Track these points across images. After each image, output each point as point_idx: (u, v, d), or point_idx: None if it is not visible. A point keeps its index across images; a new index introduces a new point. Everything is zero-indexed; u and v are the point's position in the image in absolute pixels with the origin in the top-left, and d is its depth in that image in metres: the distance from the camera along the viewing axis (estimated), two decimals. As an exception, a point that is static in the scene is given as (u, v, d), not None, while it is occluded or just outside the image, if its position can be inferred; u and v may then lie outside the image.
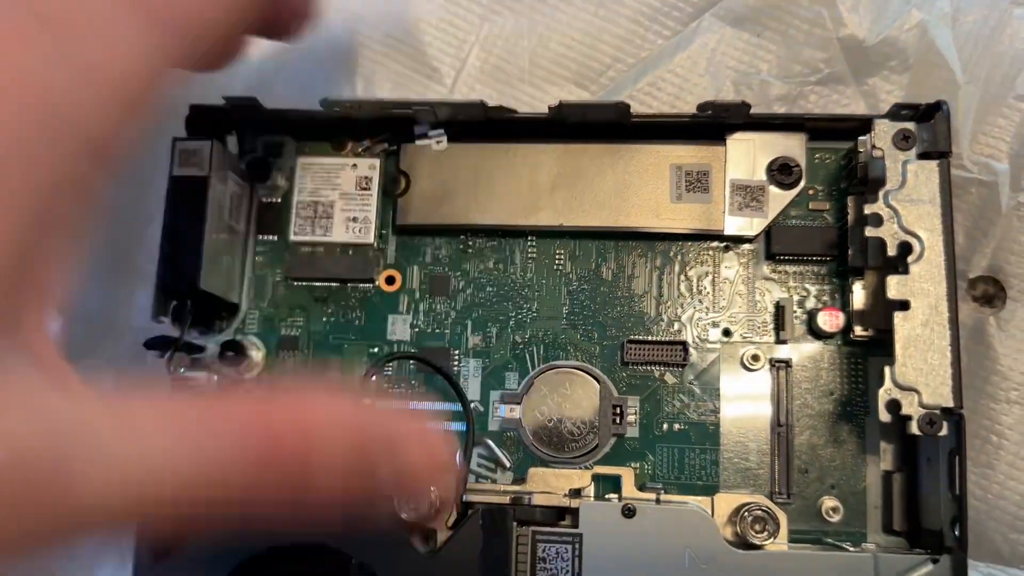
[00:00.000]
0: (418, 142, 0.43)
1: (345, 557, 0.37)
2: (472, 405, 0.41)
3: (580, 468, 0.39)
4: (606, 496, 0.39)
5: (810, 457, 0.40)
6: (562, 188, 0.42)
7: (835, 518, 0.39)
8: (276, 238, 0.44)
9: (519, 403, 0.41)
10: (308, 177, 0.44)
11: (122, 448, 0.21)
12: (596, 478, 0.39)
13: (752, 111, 0.40)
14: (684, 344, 0.41)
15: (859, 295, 0.40)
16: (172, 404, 0.24)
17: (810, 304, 0.41)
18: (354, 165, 0.43)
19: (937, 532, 0.37)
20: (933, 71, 0.44)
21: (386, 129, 0.43)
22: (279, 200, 0.44)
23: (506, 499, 0.37)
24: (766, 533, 0.36)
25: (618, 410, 0.40)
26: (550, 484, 0.39)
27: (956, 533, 0.35)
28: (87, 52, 0.22)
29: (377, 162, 0.43)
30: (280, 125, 0.44)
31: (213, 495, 0.22)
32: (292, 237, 0.43)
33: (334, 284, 0.43)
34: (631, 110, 0.40)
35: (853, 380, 0.40)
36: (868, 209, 0.37)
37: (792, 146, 0.41)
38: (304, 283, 0.43)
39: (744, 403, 0.40)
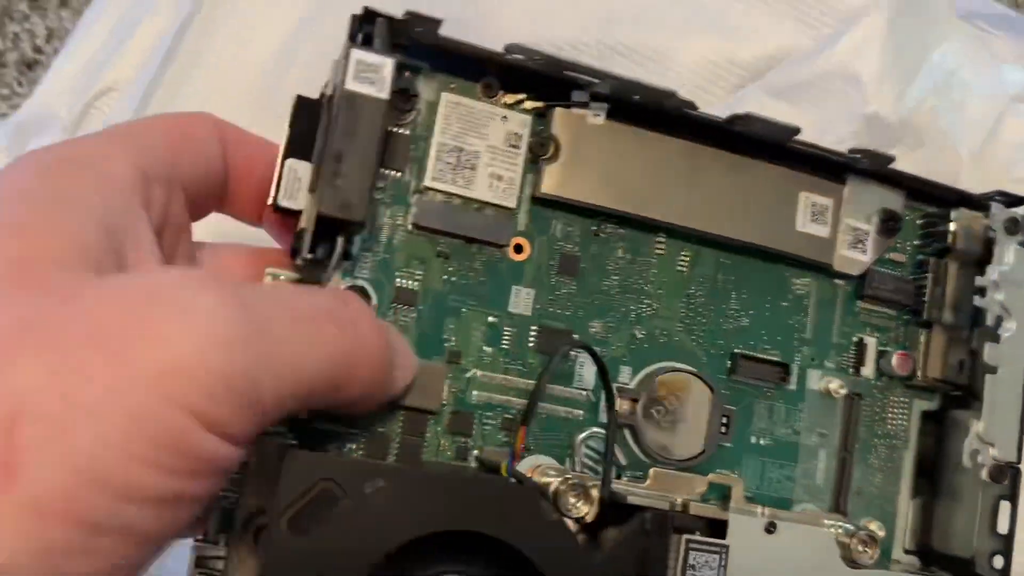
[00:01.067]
0: (575, 110, 0.40)
1: (504, 546, 0.35)
2: (584, 394, 0.40)
3: (696, 474, 0.40)
4: (710, 501, 0.40)
5: (862, 481, 0.44)
6: (701, 192, 0.42)
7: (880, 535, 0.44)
8: (400, 175, 0.39)
9: (636, 399, 0.41)
10: (454, 118, 0.39)
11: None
12: (710, 485, 0.40)
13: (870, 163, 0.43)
14: (786, 366, 0.43)
15: (928, 345, 0.45)
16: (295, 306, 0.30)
17: (884, 346, 0.45)
18: (504, 117, 0.40)
19: (951, 556, 0.43)
20: (941, 153, 0.50)
21: (543, 87, 0.40)
22: (408, 133, 0.39)
23: (663, 504, 0.37)
24: (867, 555, 0.40)
25: (726, 420, 0.42)
26: (670, 487, 0.39)
27: (994, 565, 0.42)
28: None
29: (528, 120, 0.40)
30: (431, 55, 0.39)
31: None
32: (429, 181, 0.39)
33: (461, 241, 0.39)
34: (799, 135, 0.41)
35: (898, 417, 0.45)
36: (979, 282, 0.42)
37: (894, 200, 0.45)
38: (430, 234, 0.39)
39: (820, 427, 0.44)
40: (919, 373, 0.45)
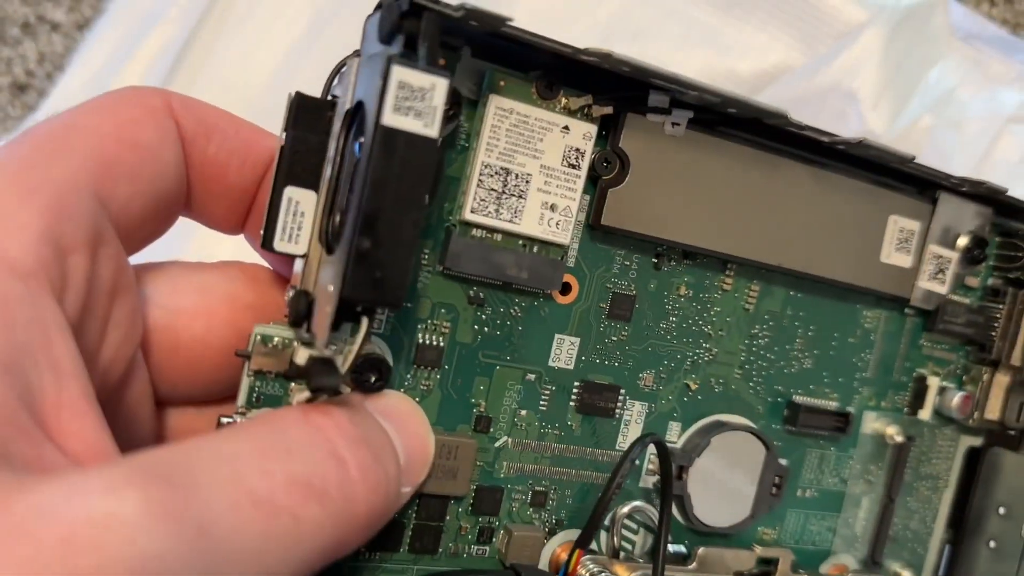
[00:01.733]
0: (649, 116, 0.31)
1: None
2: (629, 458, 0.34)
3: (745, 550, 0.36)
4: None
5: (900, 528, 0.41)
6: (785, 216, 0.34)
7: (904, 584, 0.41)
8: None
9: (686, 464, 0.35)
10: (503, 130, 0.30)
11: None
12: (760, 560, 0.36)
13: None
14: (848, 416, 0.38)
15: (990, 386, 0.40)
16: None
17: (948, 384, 0.40)
18: (566, 127, 0.30)
19: (978, 600, 0.41)
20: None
21: (616, 88, 0.31)
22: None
23: (711, 602, 0.32)
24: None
25: (778, 480, 0.37)
26: (717, 567, 0.35)
27: (1024, 624, 0.40)
28: None
29: (594, 131, 0.31)
30: (493, 51, 0.29)
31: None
32: (467, 215, 0.30)
33: (498, 285, 0.31)
34: (915, 159, 0.34)
35: (941, 456, 0.41)
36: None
37: (983, 220, 0.39)
38: (462, 277, 0.31)
39: (868, 473, 0.40)
40: (975, 414, 0.41)
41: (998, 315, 0.40)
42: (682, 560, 0.35)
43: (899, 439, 0.39)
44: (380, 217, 0.24)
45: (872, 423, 0.39)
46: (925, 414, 0.40)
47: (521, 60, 0.30)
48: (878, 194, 0.36)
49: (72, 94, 0.57)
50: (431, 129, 0.25)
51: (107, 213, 0.25)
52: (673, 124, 0.32)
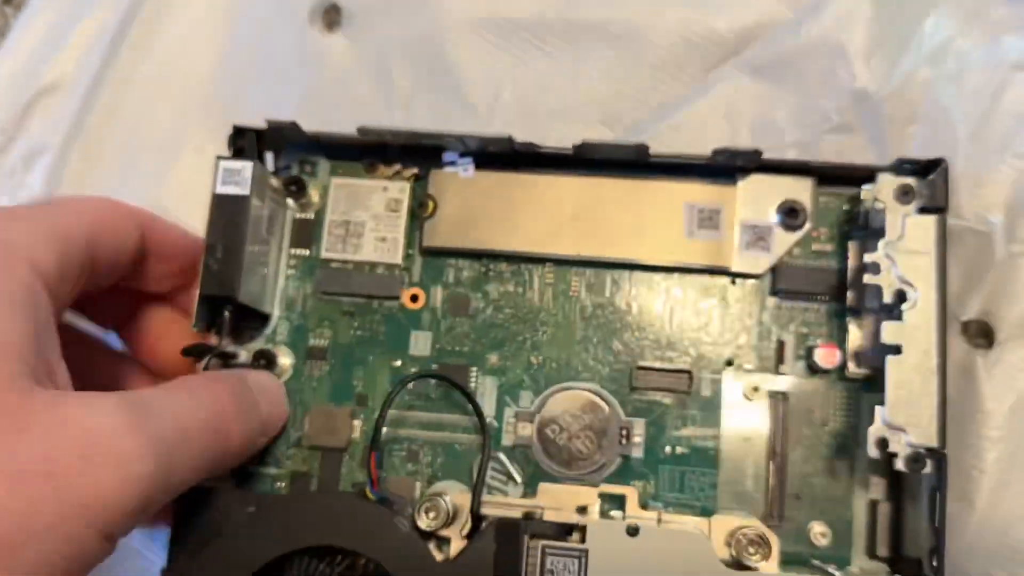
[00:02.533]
0: (447, 168, 0.46)
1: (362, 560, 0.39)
2: (487, 421, 0.44)
3: (588, 486, 0.42)
4: (611, 514, 0.41)
5: (803, 484, 0.42)
6: (581, 219, 0.44)
7: (823, 542, 0.42)
8: (308, 252, 0.46)
9: (531, 421, 0.43)
10: (341, 197, 0.46)
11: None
12: (602, 496, 0.42)
13: (764, 156, 0.42)
14: (690, 373, 0.43)
15: (856, 335, 0.43)
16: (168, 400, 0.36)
17: (810, 340, 0.43)
18: (385, 188, 0.46)
19: (917, 560, 0.40)
20: (937, 126, 0.47)
21: (417, 154, 0.46)
22: (312, 216, 0.47)
23: (518, 513, 0.40)
24: (759, 555, 0.39)
25: (624, 432, 0.43)
26: (559, 499, 0.41)
27: (934, 563, 0.38)
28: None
29: (407, 186, 0.46)
30: (317, 147, 0.46)
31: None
32: (323, 254, 0.46)
33: (361, 299, 0.46)
34: (650, 150, 0.42)
35: (846, 414, 0.43)
36: (868, 258, 0.40)
37: (800, 189, 0.44)
38: (333, 297, 0.46)
39: (744, 430, 0.43)
40: (851, 365, 0.43)
41: (839, 268, 0.43)
42: (529, 495, 0.42)
43: (758, 394, 0.43)
44: (217, 244, 0.42)
45: (733, 385, 0.44)
46: (789, 369, 0.43)
47: (355, 152, 0.46)
48: (672, 187, 0.44)
49: (5, 76, 0.57)
50: (244, 190, 0.42)
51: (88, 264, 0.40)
52: (464, 170, 0.45)
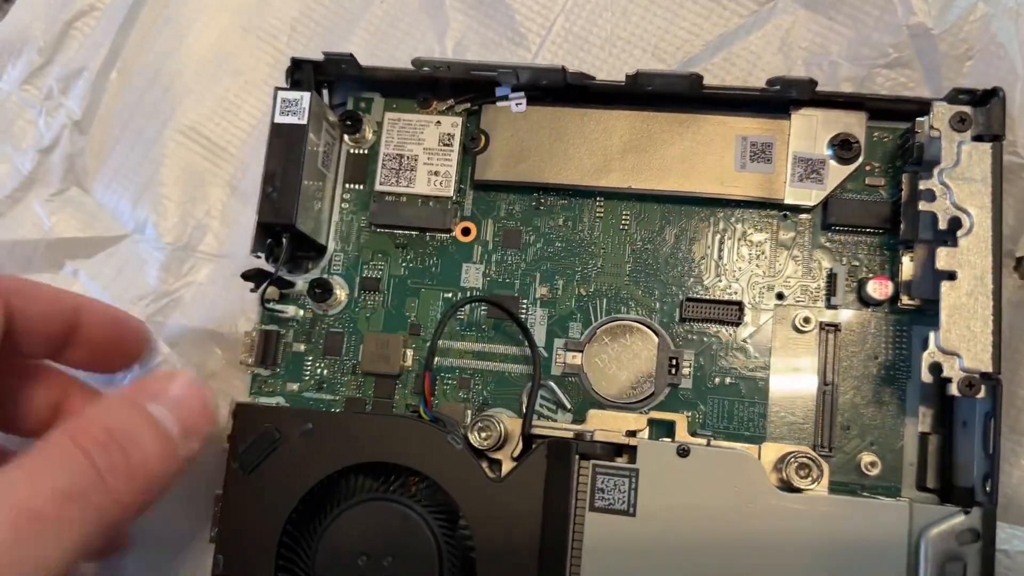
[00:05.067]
0: (499, 103, 0.46)
1: (415, 477, 0.40)
2: (538, 349, 0.44)
3: (637, 412, 0.43)
4: (661, 439, 0.42)
5: (852, 415, 0.42)
6: (632, 153, 0.45)
7: (873, 472, 0.42)
8: (362, 187, 0.47)
9: (581, 351, 0.44)
10: (395, 131, 0.47)
11: None
12: (651, 422, 0.42)
13: (818, 89, 0.42)
14: (740, 304, 0.44)
15: (908, 266, 0.42)
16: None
17: (861, 273, 0.43)
18: (438, 122, 0.47)
19: (969, 489, 0.40)
20: (994, 61, 0.46)
21: (470, 90, 0.46)
22: (366, 151, 0.47)
23: (569, 434, 0.41)
24: (810, 479, 0.39)
25: (674, 362, 0.43)
26: (608, 425, 0.42)
27: (987, 488, 0.38)
28: None
29: (459, 120, 0.47)
30: (372, 81, 0.47)
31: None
32: (377, 187, 0.47)
33: (414, 232, 0.47)
34: (703, 81, 0.43)
35: (897, 346, 0.43)
36: (923, 185, 0.40)
37: (853, 124, 0.44)
38: (386, 230, 0.47)
39: (793, 362, 0.43)
40: (903, 296, 0.42)
41: (891, 201, 0.43)
42: (578, 422, 0.43)
43: (810, 325, 0.43)
44: (276, 171, 0.43)
45: (782, 317, 0.44)
46: (840, 301, 0.43)
47: (409, 89, 0.47)
48: (724, 121, 0.45)
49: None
50: (303, 120, 0.43)
51: None
52: (516, 104, 0.46)
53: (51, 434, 0.33)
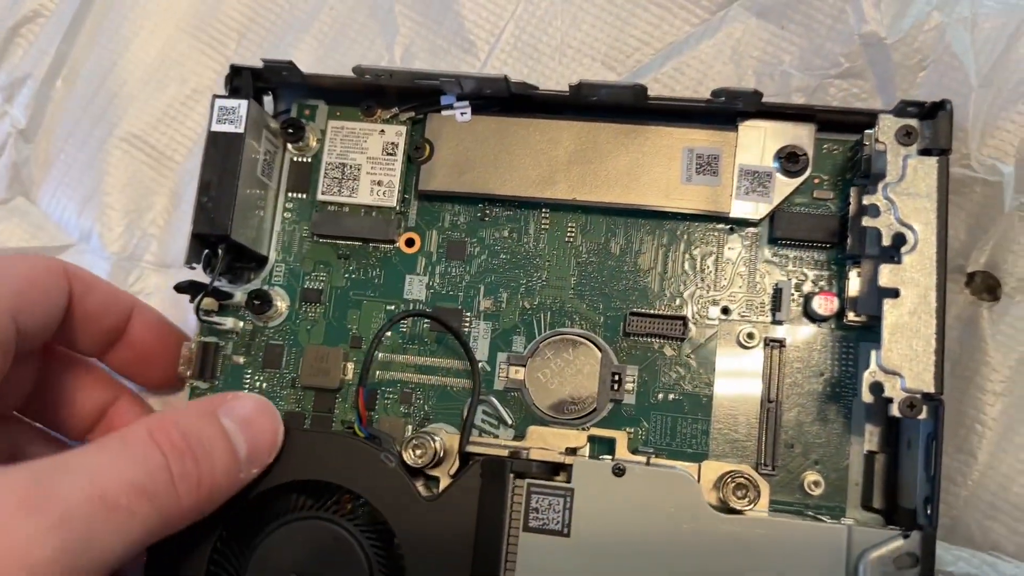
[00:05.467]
0: (444, 112, 0.45)
1: (350, 496, 0.39)
2: (479, 365, 0.44)
3: (577, 429, 0.42)
4: (600, 456, 0.41)
5: (797, 433, 0.42)
6: (578, 164, 0.44)
7: (816, 492, 0.41)
8: (304, 196, 0.46)
9: (524, 365, 0.43)
10: (338, 140, 0.46)
11: None
12: (592, 439, 0.41)
13: (766, 100, 0.42)
14: (684, 319, 0.43)
15: (855, 282, 0.42)
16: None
17: (807, 288, 0.43)
18: (382, 131, 0.46)
19: (912, 511, 0.39)
20: (948, 72, 0.45)
21: (414, 98, 0.45)
22: (309, 160, 0.47)
23: (505, 452, 0.40)
24: (747, 500, 0.38)
25: (616, 377, 0.42)
26: (548, 442, 0.41)
27: (928, 511, 0.37)
28: None
29: (404, 129, 0.46)
30: (314, 89, 0.46)
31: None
32: (320, 196, 0.46)
33: (357, 243, 0.46)
34: (648, 92, 0.42)
35: (844, 363, 0.42)
36: (867, 200, 0.39)
37: (801, 135, 0.43)
38: (329, 240, 0.46)
39: (737, 378, 0.42)
40: (849, 312, 0.42)
41: (839, 215, 0.43)
42: (518, 438, 0.42)
43: (755, 341, 0.42)
44: (212, 181, 0.42)
45: (727, 333, 0.43)
46: (785, 316, 0.42)
47: (355, 97, 0.46)
48: (671, 133, 0.44)
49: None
50: (240, 128, 0.43)
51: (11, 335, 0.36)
52: (461, 113, 0.45)
53: (132, 428, 0.33)
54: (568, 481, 0.38)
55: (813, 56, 0.46)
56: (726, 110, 0.43)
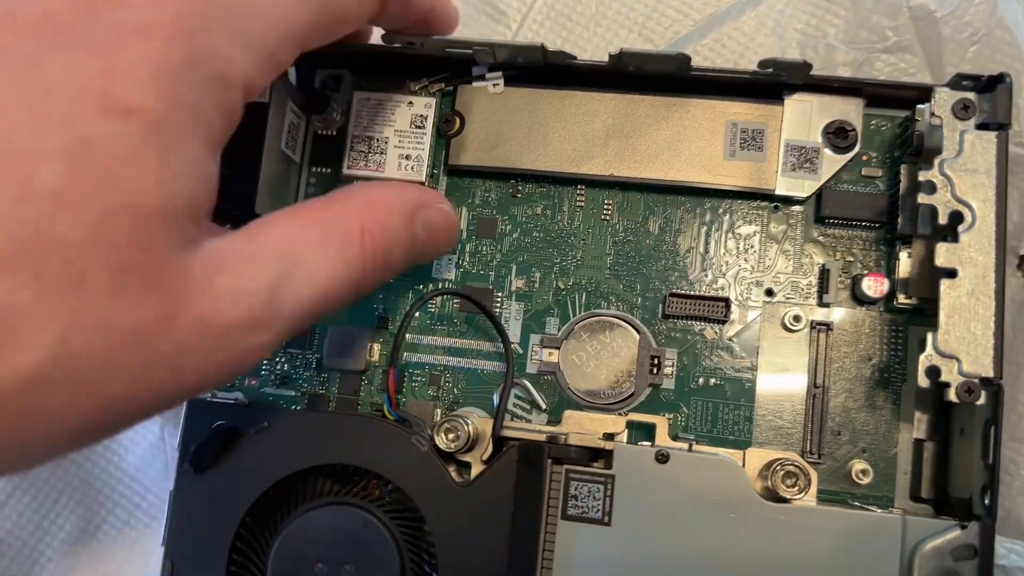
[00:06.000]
0: (475, 84, 0.43)
1: (378, 481, 0.38)
2: (512, 346, 0.42)
3: (615, 414, 0.40)
4: (639, 442, 0.39)
5: (844, 420, 0.40)
6: (615, 138, 0.42)
7: (864, 481, 0.39)
8: (329, 171, 0.45)
9: (558, 347, 0.41)
10: (364, 112, 0.44)
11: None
12: (630, 424, 0.40)
13: (812, 73, 0.40)
14: (727, 301, 0.41)
15: (905, 263, 0.40)
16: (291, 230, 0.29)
17: (855, 269, 0.41)
18: (410, 103, 0.44)
19: (965, 500, 0.37)
20: (1000, 46, 0.44)
21: (445, 69, 0.44)
22: (334, 133, 0.45)
23: (541, 437, 0.38)
24: (797, 488, 0.37)
25: (656, 361, 0.41)
26: (584, 427, 0.39)
27: (986, 501, 0.35)
28: None
29: (433, 101, 0.44)
30: (340, 59, 0.44)
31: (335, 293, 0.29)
32: (345, 171, 0.44)
33: (384, 219, 0.44)
34: (691, 63, 0.40)
35: (893, 347, 0.40)
36: (923, 176, 0.37)
37: (849, 111, 0.41)
38: (354, 216, 0.44)
39: (782, 362, 0.41)
40: (900, 295, 0.40)
41: (888, 193, 0.41)
42: (553, 423, 0.40)
43: (801, 324, 0.41)
44: (234, 154, 0.40)
45: (772, 315, 0.41)
46: (833, 298, 0.41)
47: (383, 66, 0.44)
48: (713, 106, 0.42)
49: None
50: (263, 99, 0.41)
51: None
52: (494, 84, 0.43)
53: (347, 221, 0.31)
54: (608, 468, 0.37)
55: (859, 29, 0.44)
56: (771, 83, 0.41)
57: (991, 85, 0.38)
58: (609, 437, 0.39)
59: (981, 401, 0.35)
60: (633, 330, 0.41)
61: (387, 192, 0.33)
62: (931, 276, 0.37)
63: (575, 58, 0.41)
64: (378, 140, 0.44)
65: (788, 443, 0.40)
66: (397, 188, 0.34)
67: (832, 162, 0.41)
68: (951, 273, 0.36)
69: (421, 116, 0.44)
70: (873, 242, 0.41)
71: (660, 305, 0.42)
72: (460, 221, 0.43)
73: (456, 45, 0.42)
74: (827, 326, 0.41)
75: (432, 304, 0.43)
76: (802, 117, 0.41)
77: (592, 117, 0.42)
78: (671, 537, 0.36)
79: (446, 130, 0.43)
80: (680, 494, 0.36)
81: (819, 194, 0.41)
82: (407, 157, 0.44)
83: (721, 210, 0.42)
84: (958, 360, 0.36)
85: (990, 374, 0.35)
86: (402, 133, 0.44)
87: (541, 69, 0.42)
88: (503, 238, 0.43)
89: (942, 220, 0.37)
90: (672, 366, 0.41)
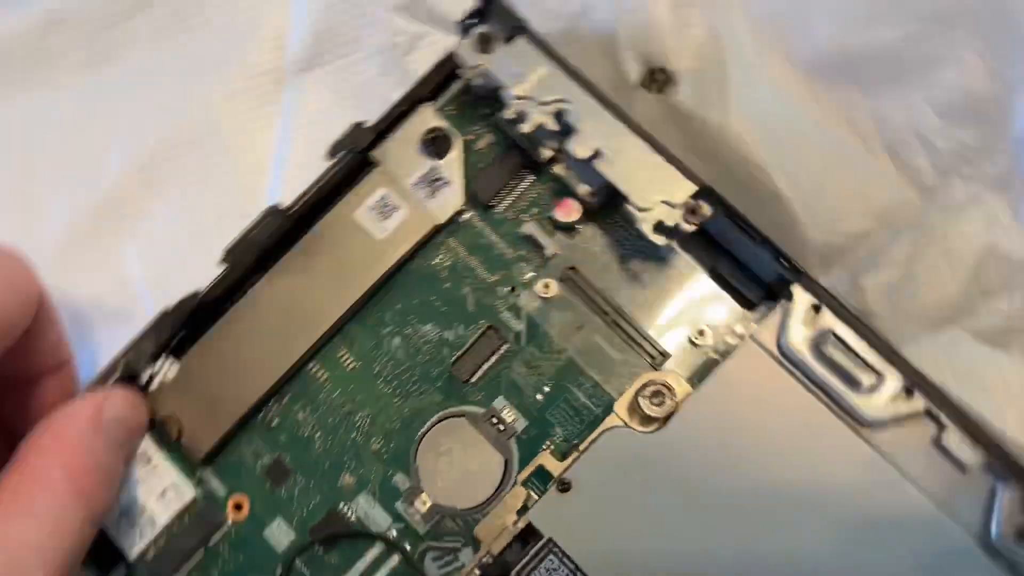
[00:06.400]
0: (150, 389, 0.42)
1: None
2: (390, 533, 0.40)
3: (509, 490, 0.39)
4: (544, 488, 0.39)
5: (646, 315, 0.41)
6: (287, 314, 0.41)
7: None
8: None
9: (421, 491, 0.40)
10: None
11: None
12: (527, 484, 0.39)
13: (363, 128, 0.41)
14: (491, 327, 0.41)
15: (572, 179, 0.41)
16: None
17: (548, 213, 0.42)
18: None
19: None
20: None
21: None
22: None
23: (477, 574, 0.36)
24: (666, 400, 0.37)
25: (494, 420, 0.40)
26: (496, 526, 0.38)
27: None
28: None
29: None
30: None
31: None
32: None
33: (198, 552, 0.41)
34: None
35: (619, 241, 0.42)
36: (508, 114, 0.39)
37: (427, 119, 0.43)
38: None
39: (571, 321, 0.41)
40: (585, 205, 0.42)
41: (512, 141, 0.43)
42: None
43: (550, 293, 0.41)
44: None
45: (531, 302, 0.42)
46: (552, 250, 0.42)
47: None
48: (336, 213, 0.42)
49: None
50: None
51: None
52: (166, 373, 0.41)
53: (51, 476, 0.33)
54: (539, 538, 0.36)
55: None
56: (355, 156, 0.42)
57: (486, 9, 0.41)
58: (523, 509, 0.38)
59: (707, 212, 0.37)
60: (456, 418, 0.41)
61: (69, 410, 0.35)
62: (590, 170, 0.39)
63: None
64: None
65: (635, 371, 0.41)
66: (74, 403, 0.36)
67: (451, 166, 0.42)
68: (597, 154, 0.38)
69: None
70: (538, 186, 0.43)
71: (451, 380, 0.41)
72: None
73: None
74: (573, 268, 0.42)
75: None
76: (400, 158, 0.42)
77: (256, 319, 0.41)
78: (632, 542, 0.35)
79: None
80: (599, 504, 0.36)
81: (470, 195, 0.42)
82: (164, 490, 0.41)
83: (412, 274, 0.43)
84: (665, 202, 0.38)
85: (694, 188, 0.38)
86: (141, 478, 0.41)
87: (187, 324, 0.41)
88: (297, 468, 0.41)
89: (554, 127, 0.39)
90: (510, 408, 0.41)
